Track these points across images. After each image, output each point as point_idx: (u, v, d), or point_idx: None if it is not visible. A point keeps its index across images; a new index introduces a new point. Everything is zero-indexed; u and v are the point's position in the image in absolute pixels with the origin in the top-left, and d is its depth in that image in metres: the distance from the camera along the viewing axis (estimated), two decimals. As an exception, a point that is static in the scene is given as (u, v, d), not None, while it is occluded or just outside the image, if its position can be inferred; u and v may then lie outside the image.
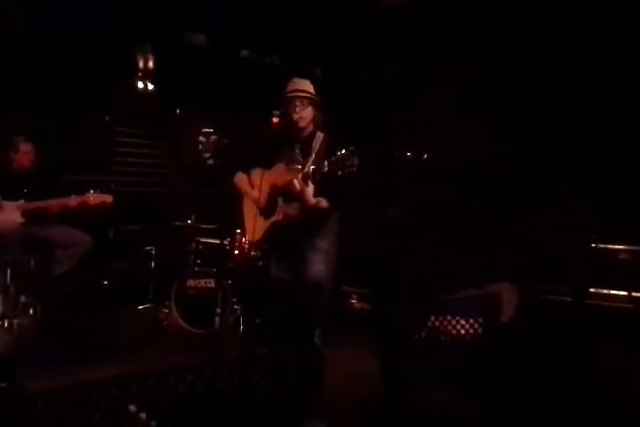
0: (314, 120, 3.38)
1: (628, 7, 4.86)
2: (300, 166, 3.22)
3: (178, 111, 6.96)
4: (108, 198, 4.52)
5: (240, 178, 3.65)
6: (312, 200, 3.15)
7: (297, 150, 3.39)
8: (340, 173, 2.96)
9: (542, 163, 5.61)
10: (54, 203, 4.55)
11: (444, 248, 6.04)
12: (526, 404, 3.17)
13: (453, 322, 3.71)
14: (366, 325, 4.35)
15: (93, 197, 4.48)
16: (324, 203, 3.19)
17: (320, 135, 3.35)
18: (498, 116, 6.04)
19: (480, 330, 3.75)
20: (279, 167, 3.38)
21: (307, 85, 3.42)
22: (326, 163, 3.01)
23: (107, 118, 6.23)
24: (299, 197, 3.18)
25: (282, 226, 3.32)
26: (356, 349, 4.14)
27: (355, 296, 5.51)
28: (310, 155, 3.28)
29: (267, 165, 3.47)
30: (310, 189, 3.12)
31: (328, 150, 3.15)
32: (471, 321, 3.75)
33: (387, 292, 5.18)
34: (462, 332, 3.74)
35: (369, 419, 3.29)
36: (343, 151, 2.93)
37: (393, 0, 5.19)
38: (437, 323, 3.70)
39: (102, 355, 4.08)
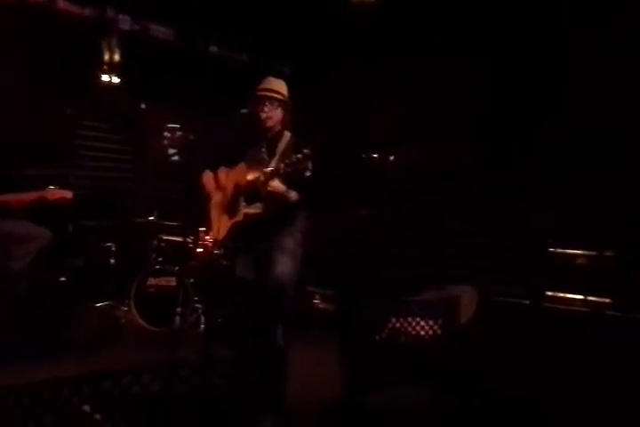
0: (282, 121, 3.37)
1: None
2: (261, 166, 3.21)
3: (143, 106, 6.84)
4: (68, 194, 4.42)
5: (207, 176, 3.62)
6: (282, 189, 3.17)
7: (263, 149, 3.38)
8: (294, 175, 2.98)
9: (504, 167, 5.70)
10: (12, 198, 4.43)
11: (407, 250, 6.10)
12: (483, 403, 3.22)
13: (413, 323, 3.75)
14: (329, 325, 4.35)
15: (52, 192, 4.37)
16: (293, 194, 3.20)
17: (287, 135, 3.35)
18: (464, 119, 6.12)
19: (439, 331, 3.79)
20: (241, 167, 3.37)
21: (279, 86, 3.40)
22: (282, 165, 3.03)
23: (68, 111, 6.10)
24: (264, 196, 3.18)
25: (244, 225, 3.31)
26: (318, 349, 4.14)
27: (318, 296, 5.52)
28: (275, 155, 3.29)
29: (232, 163, 3.45)
30: (276, 182, 3.14)
31: (294, 151, 3.14)
32: (431, 322, 3.79)
33: (349, 292, 5.20)
34: (422, 333, 3.77)
35: (329, 419, 3.30)
36: (298, 155, 2.95)
37: (364, 4, 5.19)
38: (398, 324, 3.72)
39: (58, 354, 4.00)
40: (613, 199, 4.71)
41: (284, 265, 3.22)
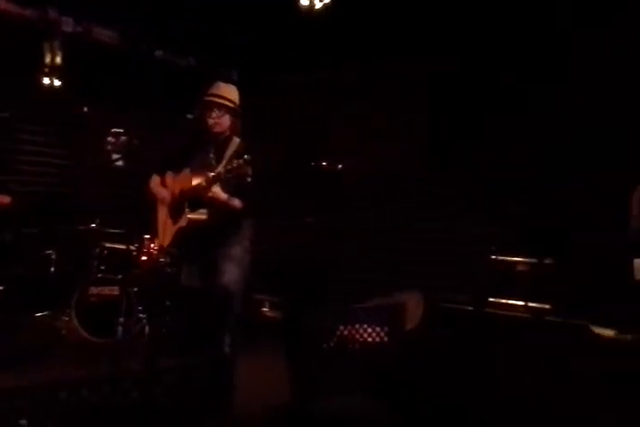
0: (231, 127, 3.36)
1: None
2: (208, 172, 3.19)
3: (86, 110, 6.68)
4: (5, 199, 4.28)
5: (154, 181, 3.56)
6: (223, 196, 3.16)
7: (211, 155, 3.35)
8: (236, 180, 2.98)
9: (452, 175, 5.82)
10: None
11: (355, 257, 6.15)
12: (429, 409, 3.26)
13: (361, 331, 3.77)
14: (277, 333, 4.33)
15: None
16: (236, 202, 3.18)
17: (236, 141, 3.33)
18: (409, 128, 6.22)
19: (386, 338, 3.82)
20: (186, 172, 3.33)
21: (229, 92, 3.37)
22: (223, 170, 3.02)
23: (7, 115, 5.89)
24: (206, 201, 3.16)
25: (189, 232, 3.26)
26: (266, 357, 4.13)
27: (266, 304, 5.49)
28: (222, 160, 3.26)
29: (179, 168, 3.41)
30: (218, 189, 3.12)
31: (237, 157, 3.12)
32: (377, 329, 3.81)
33: (297, 300, 5.20)
34: (369, 340, 3.79)
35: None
36: (239, 160, 2.95)
37: (314, 9, 5.21)
38: (346, 331, 3.74)
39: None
40: (554, 208, 4.87)
41: (232, 273, 3.21)
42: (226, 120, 3.32)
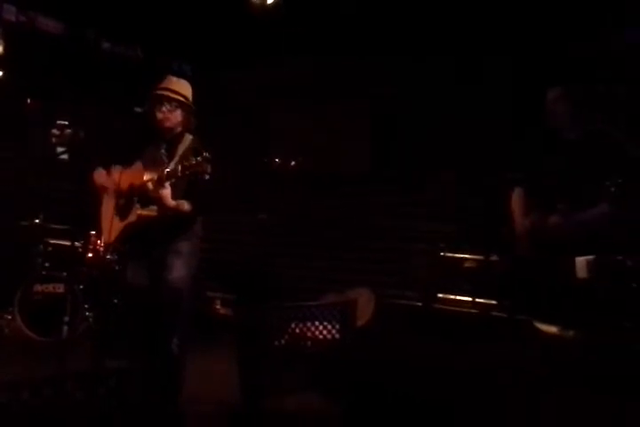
0: (183, 122, 3.29)
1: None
2: (160, 167, 3.14)
3: (28, 101, 6.46)
4: None
5: (99, 174, 3.47)
6: (171, 203, 3.09)
7: (163, 150, 3.30)
8: (193, 178, 2.95)
9: (400, 172, 5.89)
10: None
11: (307, 254, 6.17)
12: (381, 403, 3.30)
13: (313, 328, 3.78)
14: (229, 330, 4.32)
15: None
16: (185, 206, 3.13)
17: (189, 138, 3.28)
18: (360, 122, 6.27)
19: (337, 335, 3.85)
20: (138, 166, 3.26)
21: (180, 86, 3.30)
22: (179, 167, 2.97)
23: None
24: (156, 199, 3.11)
25: (138, 228, 3.20)
26: (217, 354, 4.10)
27: (218, 302, 5.45)
28: (175, 157, 3.21)
29: (127, 162, 3.33)
30: (167, 191, 3.06)
31: (194, 154, 3.07)
32: (329, 327, 3.84)
33: (249, 297, 5.18)
34: (321, 337, 3.82)
35: (227, 425, 3.27)
36: (198, 157, 2.91)
37: (265, 5, 5.19)
38: (297, 329, 3.75)
39: None
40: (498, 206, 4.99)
41: (181, 271, 3.17)
42: (177, 115, 3.26)
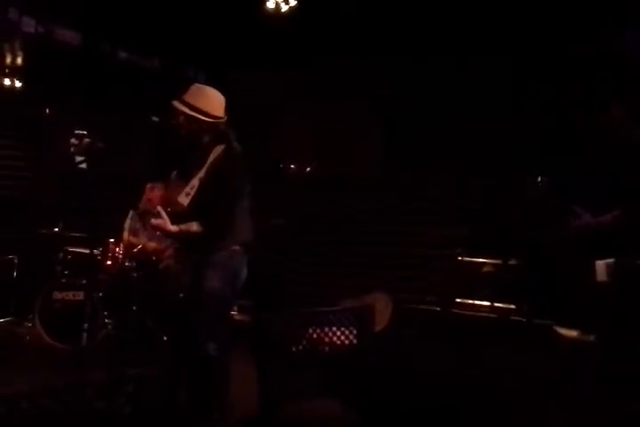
0: (206, 131, 3.16)
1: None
2: (188, 180, 3.14)
3: (47, 111, 6.56)
4: None
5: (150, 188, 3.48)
6: (170, 230, 3.08)
7: (194, 161, 3.25)
8: (218, 189, 2.95)
9: (416, 177, 5.88)
10: None
11: (324, 260, 6.16)
12: (399, 409, 3.28)
13: (330, 333, 3.77)
14: (246, 336, 4.32)
15: None
16: (193, 227, 3.08)
17: (219, 149, 3.16)
18: (373, 126, 6.27)
19: (354, 340, 3.84)
20: (172, 182, 3.28)
21: (195, 96, 3.17)
22: (201, 180, 2.99)
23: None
24: (155, 229, 3.14)
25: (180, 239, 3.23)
26: (235, 361, 4.10)
27: (235, 308, 5.45)
28: (202, 167, 3.12)
29: (166, 173, 3.36)
30: (159, 221, 3.05)
31: (225, 165, 3.06)
32: (347, 332, 3.83)
33: (266, 303, 5.18)
34: (338, 342, 3.81)
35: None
36: (225, 169, 2.91)
37: (280, 12, 5.23)
38: (315, 334, 3.74)
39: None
40: (516, 210, 4.96)
41: (213, 280, 3.11)
42: (190, 124, 3.13)
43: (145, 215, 4.77)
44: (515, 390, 3.23)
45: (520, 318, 3.99)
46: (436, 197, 5.63)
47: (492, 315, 4.21)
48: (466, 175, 5.44)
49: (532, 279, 4.09)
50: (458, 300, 4.50)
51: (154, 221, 3.06)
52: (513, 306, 4.12)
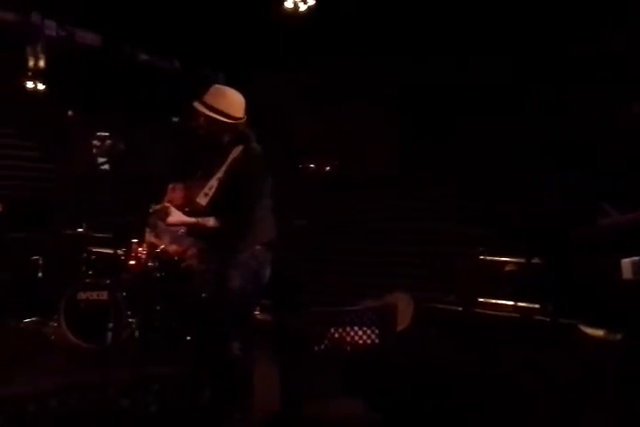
0: (230, 132, 3.18)
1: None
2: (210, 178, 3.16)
3: (70, 113, 6.63)
4: None
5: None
6: (189, 220, 3.10)
7: (214, 161, 3.27)
8: (236, 188, 2.97)
9: (434, 174, 5.85)
10: None
11: (345, 260, 6.16)
12: (421, 409, 3.27)
13: (352, 333, 3.78)
14: (268, 336, 4.33)
15: None
16: (210, 222, 3.09)
17: (238, 149, 3.17)
18: (388, 124, 6.25)
19: (376, 340, 3.84)
20: (192, 182, 3.30)
21: (213, 96, 3.20)
22: (219, 180, 3.01)
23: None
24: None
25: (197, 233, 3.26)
26: (257, 360, 4.11)
27: (257, 307, 5.47)
28: (221, 167, 3.16)
29: (186, 175, 3.40)
30: (172, 218, 3.08)
31: (243, 165, 3.07)
32: (368, 331, 3.83)
33: (288, 303, 5.19)
34: (360, 342, 3.81)
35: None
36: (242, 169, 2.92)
37: (298, 12, 5.24)
38: (337, 334, 3.74)
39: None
40: (539, 207, 4.91)
41: (235, 280, 3.12)
42: (209, 124, 3.17)
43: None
44: (538, 390, 3.21)
45: (544, 318, 3.94)
46: (456, 195, 5.59)
47: (515, 314, 4.16)
48: (487, 173, 5.40)
49: (556, 278, 4.05)
50: (480, 299, 4.46)
51: (170, 219, 3.08)
52: (537, 305, 4.07)
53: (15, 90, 5.91)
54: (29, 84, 5.89)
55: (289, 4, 5.54)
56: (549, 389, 3.19)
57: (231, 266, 3.11)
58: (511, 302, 4.22)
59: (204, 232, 3.15)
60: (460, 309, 4.47)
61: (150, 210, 3.26)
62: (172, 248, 4.88)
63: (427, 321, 4.52)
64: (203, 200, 3.11)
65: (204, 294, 3.26)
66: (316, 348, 3.68)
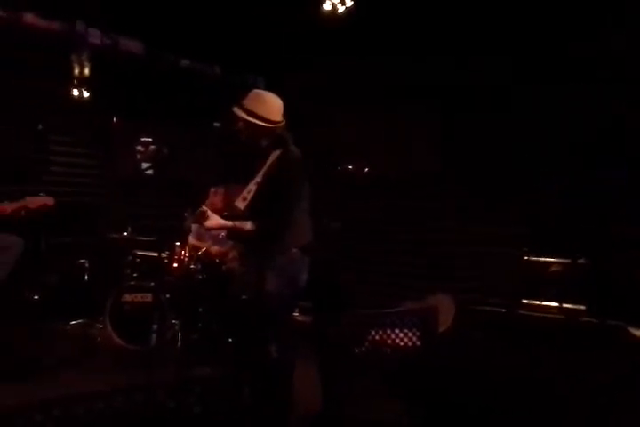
0: (269, 136, 3.19)
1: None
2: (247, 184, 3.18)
3: (114, 120, 6.79)
4: (50, 201, 4.18)
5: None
6: (226, 223, 3.13)
7: (254, 165, 3.29)
8: (274, 193, 2.98)
9: (477, 174, 5.76)
10: None
11: (385, 261, 6.11)
12: (462, 412, 3.22)
13: (393, 335, 3.74)
14: (308, 338, 4.34)
15: (33, 200, 4.14)
16: (247, 226, 3.10)
17: (276, 153, 3.19)
18: (430, 124, 6.18)
19: (418, 342, 3.80)
20: (233, 186, 3.34)
21: (252, 101, 3.21)
22: (257, 184, 3.03)
23: (39, 127, 6.02)
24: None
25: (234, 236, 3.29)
26: (297, 362, 4.11)
27: (297, 309, 5.48)
28: (260, 172, 3.18)
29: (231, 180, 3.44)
30: (210, 222, 3.10)
31: (281, 168, 3.08)
32: (410, 334, 3.79)
33: (328, 305, 5.19)
34: (401, 344, 3.77)
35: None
36: (279, 173, 2.94)
37: (334, 14, 5.24)
38: (377, 336, 3.72)
39: (30, 375, 3.91)
40: (584, 207, 4.79)
41: (271, 283, 3.12)
42: (248, 129, 3.18)
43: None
44: (585, 393, 3.12)
45: (591, 319, 3.84)
46: (499, 194, 5.47)
47: (560, 316, 4.07)
48: (530, 171, 5.29)
49: (602, 278, 3.94)
50: (524, 301, 4.38)
51: (208, 222, 3.11)
52: (583, 307, 3.97)
53: (62, 98, 6.07)
54: (75, 92, 6.04)
55: (327, 6, 5.54)
56: (597, 392, 3.10)
57: (268, 269, 3.12)
58: (556, 304, 4.13)
59: (242, 236, 3.17)
60: (504, 310, 4.40)
61: (185, 214, 3.31)
62: (215, 249, 4.95)
63: (469, 323, 4.45)
64: (241, 204, 3.14)
65: (243, 297, 3.28)
66: (357, 350, 3.66)
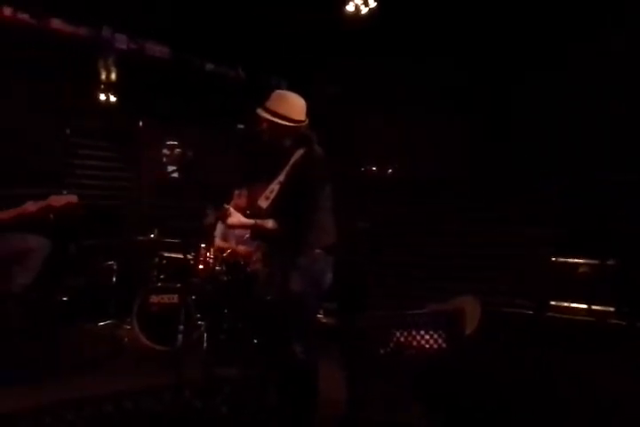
0: (292, 135, 3.18)
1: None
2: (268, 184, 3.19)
3: (141, 124, 6.87)
4: (73, 198, 4.19)
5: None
6: (247, 222, 3.14)
7: (277, 165, 3.30)
8: (295, 192, 2.98)
9: (504, 177, 5.71)
10: (17, 211, 4.26)
11: (410, 263, 6.08)
12: (488, 415, 3.19)
13: (418, 337, 3.72)
14: (332, 340, 4.33)
15: (56, 199, 4.14)
16: (269, 224, 3.09)
17: (300, 152, 3.18)
18: (458, 126, 6.13)
19: (443, 344, 3.77)
20: (257, 186, 3.35)
21: (276, 102, 3.21)
22: (280, 184, 3.03)
23: (67, 131, 6.12)
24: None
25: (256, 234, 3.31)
26: (321, 364, 4.11)
27: (321, 311, 5.48)
28: (283, 171, 3.17)
29: (251, 180, 3.45)
30: (232, 219, 3.11)
31: (304, 168, 3.07)
32: (435, 335, 3.76)
33: (353, 306, 5.18)
34: (427, 346, 3.74)
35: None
36: (301, 173, 2.94)
37: (357, 16, 5.25)
38: (402, 338, 3.70)
39: (60, 375, 3.97)
40: (613, 207, 4.72)
41: (295, 283, 3.12)
42: (272, 129, 3.18)
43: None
44: (616, 395, 3.07)
45: (620, 322, 3.78)
46: (527, 195, 5.41)
47: (589, 318, 4.01)
48: (557, 173, 5.22)
49: (632, 280, 3.87)
50: (552, 302, 4.32)
51: (230, 220, 3.12)
52: (612, 308, 3.91)
53: (89, 102, 6.16)
54: (102, 97, 6.13)
55: (350, 8, 5.56)
56: (628, 394, 3.05)
57: (292, 269, 3.12)
58: (585, 306, 4.07)
59: (265, 234, 3.17)
60: (531, 312, 4.35)
61: (207, 210, 3.33)
62: (241, 248, 4.98)
63: (496, 326, 4.41)
64: (264, 203, 3.14)
65: (268, 297, 3.28)
66: (382, 351, 3.64)
